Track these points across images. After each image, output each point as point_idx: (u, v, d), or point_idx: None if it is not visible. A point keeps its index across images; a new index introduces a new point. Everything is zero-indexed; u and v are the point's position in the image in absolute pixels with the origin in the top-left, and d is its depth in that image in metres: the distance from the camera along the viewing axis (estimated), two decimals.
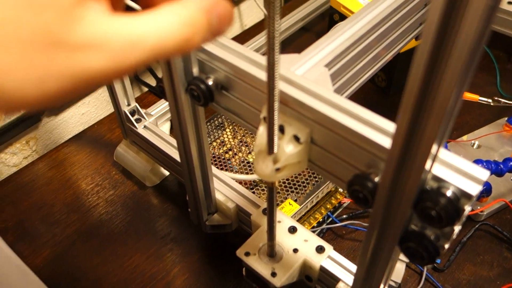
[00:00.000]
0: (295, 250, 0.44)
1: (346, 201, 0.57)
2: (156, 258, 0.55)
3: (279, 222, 0.46)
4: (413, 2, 0.46)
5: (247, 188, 0.57)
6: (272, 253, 0.44)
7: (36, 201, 0.60)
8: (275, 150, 0.33)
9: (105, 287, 0.53)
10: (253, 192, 0.56)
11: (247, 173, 0.59)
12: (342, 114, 0.30)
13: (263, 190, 0.57)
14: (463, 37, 0.20)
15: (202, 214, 0.51)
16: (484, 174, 0.27)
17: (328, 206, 0.56)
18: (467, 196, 0.26)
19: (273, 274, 0.43)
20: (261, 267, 0.43)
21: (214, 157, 0.61)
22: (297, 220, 0.54)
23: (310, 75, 0.34)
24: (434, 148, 0.25)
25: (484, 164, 0.47)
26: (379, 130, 0.29)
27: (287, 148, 0.33)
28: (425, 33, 0.20)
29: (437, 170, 0.27)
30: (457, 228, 0.29)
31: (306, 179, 0.57)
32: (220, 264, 0.54)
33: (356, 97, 0.41)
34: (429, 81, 0.22)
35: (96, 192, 0.61)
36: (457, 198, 0.27)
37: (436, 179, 0.27)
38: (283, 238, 0.45)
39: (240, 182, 0.56)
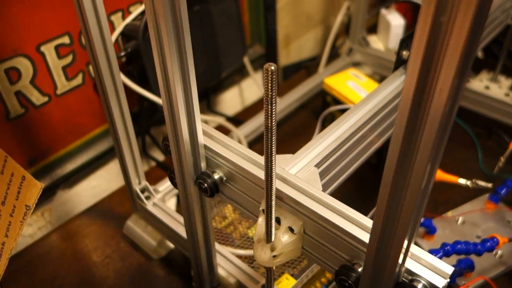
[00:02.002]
0: None
1: None
2: None
3: None
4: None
5: (247, 262, 0.61)
6: None
7: (50, 272, 0.64)
8: (273, 239, 0.38)
9: None
10: (252, 266, 0.60)
11: (246, 248, 0.63)
12: (329, 211, 0.36)
13: None
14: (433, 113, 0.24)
15: None
16: (449, 269, 0.31)
17: (322, 280, 0.60)
18: None
19: None
20: None
21: (216, 231, 0.66)
22: None
23: (301, 174, 0.40)
24: (405, 243, 0.30)
25: (463, 245, 0.51)
26: (361, 226, 0.34)
27: (283, 238, 0.38)
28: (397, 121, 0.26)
29: (410, 264, 0.32)
30: None
31: (302, 254, 0.61)
32: None
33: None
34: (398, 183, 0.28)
35: (106, 264, 0.65)
36: None
37: (409, 272, 0.32)
38: None
39: (240, 257, 0.60)
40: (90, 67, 0.68)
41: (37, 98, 0.64)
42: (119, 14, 0.68)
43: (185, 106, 0.39)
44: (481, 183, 0.59)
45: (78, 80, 0.67)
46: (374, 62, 0.92)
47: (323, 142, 0.43)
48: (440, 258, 0.49)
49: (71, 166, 0.73)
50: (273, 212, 0.36)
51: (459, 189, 0.73)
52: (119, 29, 0.65)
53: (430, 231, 0.62)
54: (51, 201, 0.73)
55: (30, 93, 0.63)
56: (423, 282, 0.31)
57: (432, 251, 0.53)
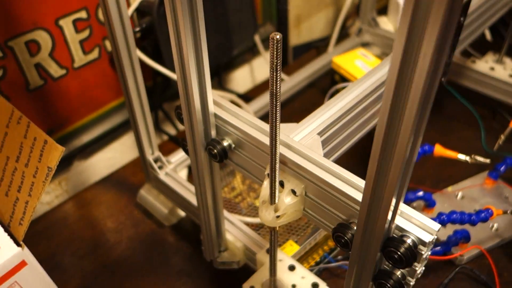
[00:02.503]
0: (294, 286, 0.51)
1: None
2: None
3: (280, 260, 0.53)
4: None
5: (253, 229, 0.64)
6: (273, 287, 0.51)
7: (67, 236, 0.68)
8: (276, 201, 0.41)
9: None
10: (259, 233, 0.63)
11: (254, 216, 0.66)
12: (329, 174, 0.38)
13: (267, 231, 0.64)
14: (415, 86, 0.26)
15: (213, 252, 0.58)
16: (435, 226, 0.34)
17: (325, 248, 0.63)
18: (423, 243, 0.34)
19: None
20: None
21: (225, 200, 0.69)
22: (297, 260, 0.61)
23: (305, 141, 0.43)
24: (393, 202, 0.33)
25: (458, 214, 0.54)
26: (356, 187, 0.37)
27: (286, 200, 0.41)
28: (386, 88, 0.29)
29: (400, 222, 0.35)
30: (419, 268, 0.36)
31: (306, 223, 0.64)
32: None
33: (353, 148, 0.50)
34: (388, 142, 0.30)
35: (119, 230, 0.69)
36: (415, 244, 0.34)
37: (399, 229, 0.35)
38: (283, 275, 0.52)
39: (248, 224, 0.64)
40: (106, 42, 0.71)
41: (55, 70, 0.67)
42: None
43: (198, 77, 0.42)
44: (480, 158, 0.61)
45: (95, 54, 0.70)
46: (383, 42, 0.93)
47: (327, 113, 0.46)
48: None
49: (87, 137, 0.76)
50: (277, 176, 0.39)
51: (461, 166, 0.75)
52: (134, 4, 0.67)
53: (430, 204, 0.64)
54: (68, 171, 0.76)
55: (48, 65, 0.66)
56: (412, 237, 0.34)
57: None
